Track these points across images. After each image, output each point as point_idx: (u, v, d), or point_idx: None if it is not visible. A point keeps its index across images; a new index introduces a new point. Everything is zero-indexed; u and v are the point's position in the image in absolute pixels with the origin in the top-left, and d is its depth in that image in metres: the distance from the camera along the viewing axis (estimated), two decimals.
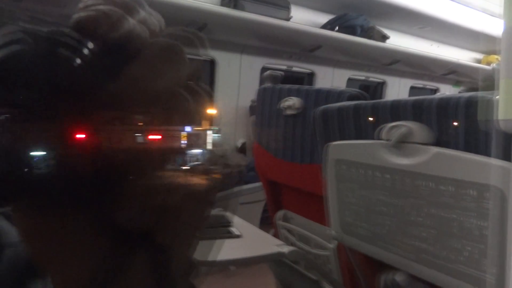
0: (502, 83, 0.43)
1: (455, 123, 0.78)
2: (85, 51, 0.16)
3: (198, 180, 0.20)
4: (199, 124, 0.20)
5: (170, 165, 0.18)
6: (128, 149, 0.17)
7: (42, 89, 0.15)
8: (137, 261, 0.19)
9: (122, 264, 0.19)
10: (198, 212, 0.21)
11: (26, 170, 0.15)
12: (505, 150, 0.52)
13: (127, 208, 0.18)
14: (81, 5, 0.18)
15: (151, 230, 0.19)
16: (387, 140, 0.89)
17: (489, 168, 0.69)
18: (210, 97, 0.20)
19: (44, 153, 0.15)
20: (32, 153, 0.15)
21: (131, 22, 0.18)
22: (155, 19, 0.20)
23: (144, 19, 0.19)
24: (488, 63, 4.50)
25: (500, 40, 0.47)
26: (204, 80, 0.20)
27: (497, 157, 0.62)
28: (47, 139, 0.15)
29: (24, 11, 0.17)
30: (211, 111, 0.21)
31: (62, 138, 0.16)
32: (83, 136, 0.16)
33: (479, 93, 0.71)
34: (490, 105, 0.60)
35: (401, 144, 0.87)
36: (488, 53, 4.60)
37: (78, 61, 0.16)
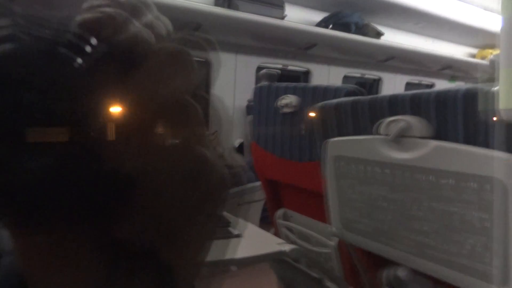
0: (502, 73, 0.42)
1: (454, 116, 0.78)
2: (88, 53, 0.16)
3: (204, 191, 0.18)
4: (205, 135, 0.18)
5: (176, 175, 0.17)
6: (131, 159, 0.16)
7: (39, 92, 0.14)
8: (139, 281, 0.18)
9: (123, 284, 0.18)
10: (207, 229, 0.19)
11: (19, 180, 0.14)
12: (506, 141, 0.52)
13: (129, 222, 0.17)
14: (85, 5, 0.18)
15: (154, 248, 0.18)
16: (386, 135, 0.89)
17: (489, 159, 0.68)
18: (211, 105, 0.20)
19: (38, 160, 0.14)
20: (25, 161, 0.14)
21: (137, 26, 0.17)
22: (163, 23, 0.19)
23: (151, 23, 0.18)
24: (483, 57, 4.52)
25: (499, 32, 0.47)
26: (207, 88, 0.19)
27: (498, 148, 0.61)
28: (43, 146, 0.14)
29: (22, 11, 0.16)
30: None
31: (59, 144, 0.15)
32: (82, 143, 0.15)
33: (478, 85, 0.71)
34: (489, 96, 0.60)
35: (400, 138, 0.86)
36: (483, 47, 4.62)
37: (81, 63, 0.15)
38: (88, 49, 0.16)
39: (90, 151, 0.15)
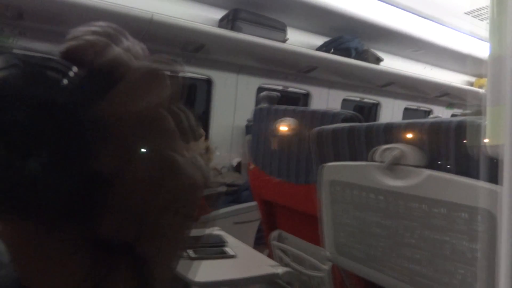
0: (488, 111, 0.45)
1: (446, 146, 0.80)
2: (73, 76, 0.18)
3: (181, 193, 0.21)
4: (176, 142, 0.21)
5: (146, 176, 0.20)
6: (111, 161, 0.18)
7: (32, 108, 0.17)
8: (118, 273, 0.20)
9: (104, 275, 0.20)
10: (178, 226, 0.21)
11: (12, 180, 0.17)
12: (493, 174, 0.54)
13: (110, 219, 0.19)
14: (70, 35, 0.20)
15: (131, 242, 0.20)
16: (381, 162, 0.91)
17: (479, 190, 0.70)
18: (188, 118, 0.22)
19: (29, 164, 0.17)
20: (17, 164, 0.17)
21: (115, 49, 0.20)
22: (138, 48, 0.22)
23: (128, 47, 0.21)
24: (480, 86, 4.58)
25: (486, 65, 0.49)
26: (196, 98, 0.22)
27: (487, 179, 0.63)
28: (34, 151, 0.17)
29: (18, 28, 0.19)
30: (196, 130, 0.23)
31: (49, 151, 0.17)
32: (71, 148, 0.17)
33: (469, 118, 0.73)
34: (479, 129, 0.62)
35: (394, 166, 0.88)
36: (481, 76, 4.68)
37: (67, 84, 0.18)
38: (73, 71, 0.18)
39: (73, 156, 0.17)
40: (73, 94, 0.18)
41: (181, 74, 0.22)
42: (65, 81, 0.18)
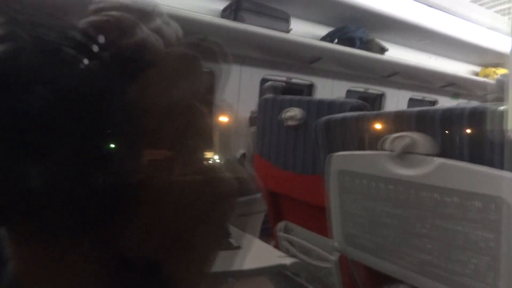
0: (511, 95, 0.43)
1: (460, 134, 0.78)
2: (95, 57, 0.15)
3: (210, 203, 0.18)
4: (212, 141, 0.18)
5: (180, 185, 0.16)
6: (135, 168, 0.15)
7: (44, 95, 0.14)
8: None
9: None
10: (212, 241, 0.19)
11: (20, 187, 0.14)
12: (505, 160, 0.52)
13: (135, 233, 0.16)
14: (92, 7, 0.18)
15: (158, 260, 0.17)
16: (391, 151, 0.89)
17: (494, 179, 0.68)
18: (220, 112, 0.20)
19: (41, 168, 0.14)
20: (27, 169, 0.14)
21: (145, 31, 0.17)
22: (172, 28, 0.19)
23: (159, 28, 0.18)
24: (486, 75, 4.54)
25: (507, 53, 0.47)
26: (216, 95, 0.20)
27: (504, 167, 0.61)
28: (46, 153, 0.14)
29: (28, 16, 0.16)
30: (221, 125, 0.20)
31: (63, 152, 0.14)
32: (86, 149, 0.14)
33: (484, 104, 0.71)
34: (495, 116, 0.60)
35: (405, 155, 0.86)
36: (486, 65, 4.64)
37: (88, 67, 0.15)
38: (94, 51, 0.15)
39: (94, 160, 0.15)
40: (93, 79, 0.15)
41: (222, 62, 0.19)
42: (85, 63, 0.15)
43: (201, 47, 0.19)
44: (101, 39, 0.16)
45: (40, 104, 0.14)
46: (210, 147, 0.18)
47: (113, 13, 0.17)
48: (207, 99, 0.18)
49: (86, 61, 0.15)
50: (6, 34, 0.14)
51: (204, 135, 0.17)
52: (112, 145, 0.15)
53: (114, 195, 0.15)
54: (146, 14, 0.18)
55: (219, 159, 0.20)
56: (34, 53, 0.14)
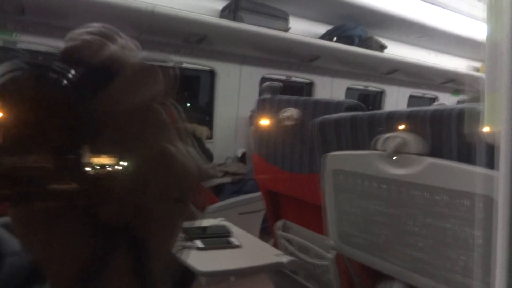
0: (486, 98, 0.44)
1: (448, 134, 0.79)
2: (73, 74, 0.20)
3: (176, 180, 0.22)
4: (169, 133, 0.22)
5: (143, 165, 0.21)
6: (110, 152, 0.20)
7: (34, 108, 0.19)
8: (119, 253, 0.22)
9: (107, 255, 0.22)
10: (173, 211, 0.23)
11: (21, 169, 0.18)
12: (491, 160, 0.54)
13: (110, 205, 0.21)
14: (68, 36, 0.22)
15: (131, 225, 0.22)
16: (383, 150, 0.91)
17: (480, 177, 0.70)
18: (180, 113, 0.24)
19: (38, 156, 0.18)
20: (26, 156, 0.18)
21: (111, 47, 0.21)
22: (132, 45, 0.24)
23: (122, 45, 0.22)
24: None
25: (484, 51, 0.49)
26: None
27: (487, 166, 0.63)
28: (39, 145, 0.19)
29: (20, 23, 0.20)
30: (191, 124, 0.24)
31: (52, 144, 0.19)
32: (73, 142, 0.19)
33: (470, 105, 0.73)
34: (480, 116, 0.62)
35: (397, 154, 0.88)
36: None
37: (66, 82, 0.19)
38: (70, 71, 0.20)
39: (75, 149, 0.19)
40: (72, 92, 0.19)
41: (173, 69, 0.23)
42: (65, 81, 0.19)
43: (155, 60, 0.23)
44: (77, 59, 0.20)
45: (33, 114, 0.19)
46: (168, 137, 0.22)
47: (85, 37, 0.21)
48: (164, 100, 0.22)
49: (65, 78, 0.19)
50: (13, 68, 0.19)
51: (163, 127, 0.22)
52: (90, 139, 0.19)
53: (93, 177, 0.20)
54: (111, 35, 0.22)
55: (179, 148, 0.24)
56: (29, 78, 0.19)
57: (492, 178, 0.66)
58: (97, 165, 0.20)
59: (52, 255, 0.21)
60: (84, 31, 0.22)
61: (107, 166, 0.20)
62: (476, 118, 0.55)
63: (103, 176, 0.20)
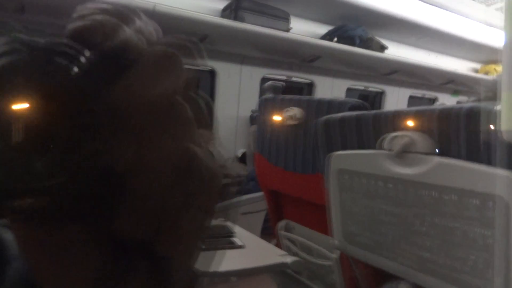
0: (504, 96, 0.44)
1: (457, 133, 0.79)
2: (82, 60, 0.16)
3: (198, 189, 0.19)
4: (194, 132, 0.19)
5: (165, 170, 0.18)
6: (126, 153, 0.17)
7: (38, 99, 0.15)
8: (137, 273, 0.19)
9: (121, 276, 0.18)
10: (198, 222, 0.20)
11: (23, 178, 0.15)
12: (508, 159, 0.53)
13: (126, 217, 0.17)
14: (75, 14, 0.18)
15: (149, 240, 0.18)
16: (389, 150, 0.90)
17: (491, 177, 0.69)
18: (208, 106, 0.21)
19: (35, 161, 0.15)
20: (29, 160, 0.15)
21: (127, 31, 0.18)
22: (152, 28, 0.20)
23: (140, 28, 0.19)
24: (486, 72, 4.54)
25: (501, 52, 0.48)
26: (201, 89, 0.21)
27: (500, 165, 0.62)
28: (42, 147, 0.15)
29: (20, 23, 0.17)
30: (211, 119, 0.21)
31: (58, 146, 0.15)
32: (80, 144, 0.16)
33: (481, 104, 0.72)
34: (491, 115, 0.61)
35: (404, 154, 0.87)
36: (486, 62, 4.64)
37: (75, 70, 0.16)
38: (81, 56, 0.16)
39: (86, 149, 0.16)
40: (82, 81, 0.16)
41: (199, 58, 0.20)
42: (74, 68, 0.16)
43: (179, 45, 0.20)
44: (87, 43, 0.17)
45: (33, 107, 0.15)
46: (193, 136, 0.19)
47: (96, 17, 0.18)
48: (187, 93, 0.19)
49: (74, 65, 0.16)
50: (8, 50, 0.16)
51: (187, 125, 0.18)
52: (102, 138, 0.16)
53: (105, 183, 0.16)
54: (127, 16, 0.19)
55: (206, 148, 0.21)
56: (30, 63, 0.16)
57: (505, 178, 0.66)
58: (113, 169, 0.16)
59: (55, 275, 0.18)
60: (97, 8, 0.19)
61: (124, 170, 0.17)
62: (490, 117, 0.54)
63: (119, 182, 0.17)
